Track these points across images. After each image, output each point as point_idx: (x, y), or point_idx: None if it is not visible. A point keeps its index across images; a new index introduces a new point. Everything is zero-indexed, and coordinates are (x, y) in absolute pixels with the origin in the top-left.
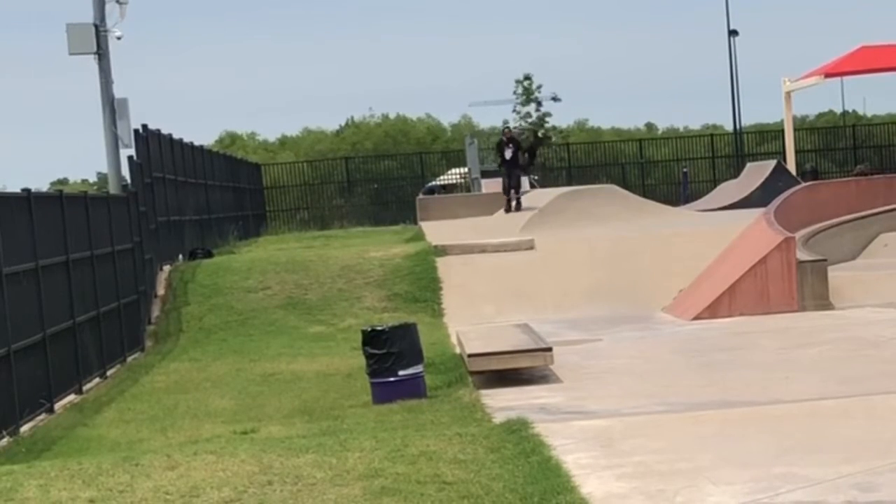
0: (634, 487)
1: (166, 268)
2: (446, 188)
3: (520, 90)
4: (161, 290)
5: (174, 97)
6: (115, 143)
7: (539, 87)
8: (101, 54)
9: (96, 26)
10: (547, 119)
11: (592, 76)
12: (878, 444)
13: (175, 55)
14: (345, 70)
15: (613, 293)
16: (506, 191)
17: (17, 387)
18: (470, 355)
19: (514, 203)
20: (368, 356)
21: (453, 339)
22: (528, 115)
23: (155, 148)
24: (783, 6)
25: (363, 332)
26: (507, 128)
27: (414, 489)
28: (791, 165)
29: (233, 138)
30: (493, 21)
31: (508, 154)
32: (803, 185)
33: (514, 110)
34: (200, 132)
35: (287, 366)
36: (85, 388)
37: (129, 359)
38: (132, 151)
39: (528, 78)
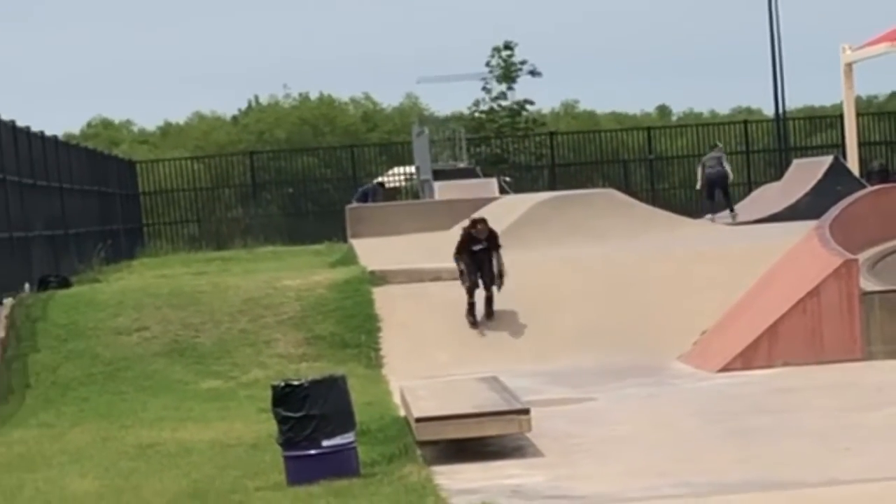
0: None
1: (7, 302)
2: (388, 192)
3: (496, 62)
4: (0, 332)
5: (20, 72)
6: None
7: (523, 62)
8: None
9: None
10: (527, 105)
11: (584, 44)
12: None
13: (24, 19)
14: (250, 36)
15: (612, 335)
16: (470, 286)
17: None
18: (418, 419)
19: (483, 310)
20: (281, 421)
21: (396, 398)
22: (502, 96)
23: None
24: None
25: (274, 388)
26: (479, 220)
27: None
28: (853, 163)
29: (103, 126)
30: None
31: (478, 247)
32: (870, 189)
33: (483, 88)
34: (56, 120)
35: (171, 434)
36: None
37: None
38: None
39: (508, 47)
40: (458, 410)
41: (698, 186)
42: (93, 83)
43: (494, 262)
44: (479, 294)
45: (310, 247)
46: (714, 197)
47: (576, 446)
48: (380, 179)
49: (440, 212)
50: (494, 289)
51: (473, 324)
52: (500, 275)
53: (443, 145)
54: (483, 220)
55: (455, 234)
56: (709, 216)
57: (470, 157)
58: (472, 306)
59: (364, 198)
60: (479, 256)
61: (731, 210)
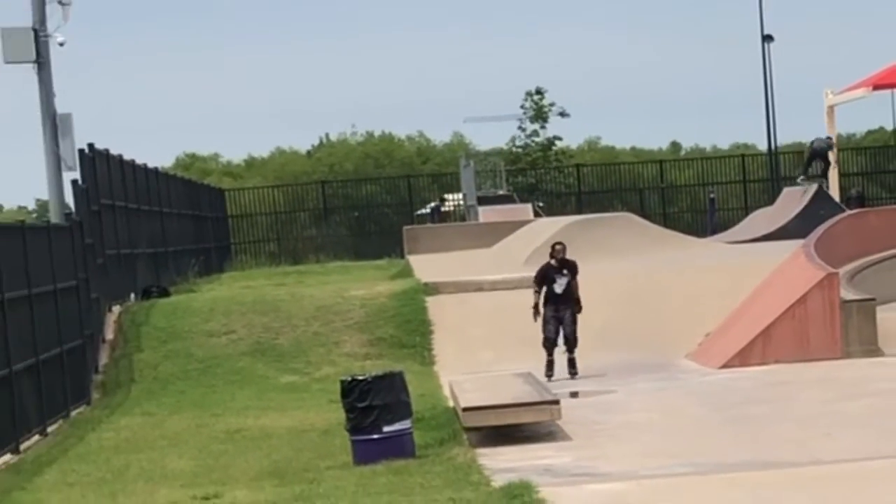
0: None
1: (116, 309)
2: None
3: (529, 105)
4: (110, 335)
5: (126, 113)
6: (57, 165)
7: (552, 104)
8: (42, 63)
9: (35, 31)
10: (557, 141)
11: (606, 88)
12: None
13: (127, 65)
14: (322, 82)
15: (630, 337)
16: (549, 344)
17: None
18: (465, 409)
19: (567, 366)
20: (348, 410)
21: (446, 391)
22: (536, 133)
23: (103, 171)
24: (825, 8)
25: (342, 382)
26: (557, 242)
27: None
28: (834, 191)
29: (193, 159)
30: (491, 28)
31: (560, 286)
32: (849, 212)
33: (519, 127)
34: (156, 153)
35: (255, 421)
36: (22, 446)
37: (73, 413)
38: (77, 174)
39: (539, 92)
40: (498, 401)
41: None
42: (186, 122)
43: (574, 315)
44: (558, 352)
45: (373, 262)
46: None
47: (598, 431)
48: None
49: (483, 232)
50: (575, 347)
51: (549, 377)
52: (577, 301)
53: (485, 175)
54: (560, 243)
55: (496, 251)
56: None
57: (509, 186)
58: (550, 364)
59: (432, 213)
60: (562, 309)
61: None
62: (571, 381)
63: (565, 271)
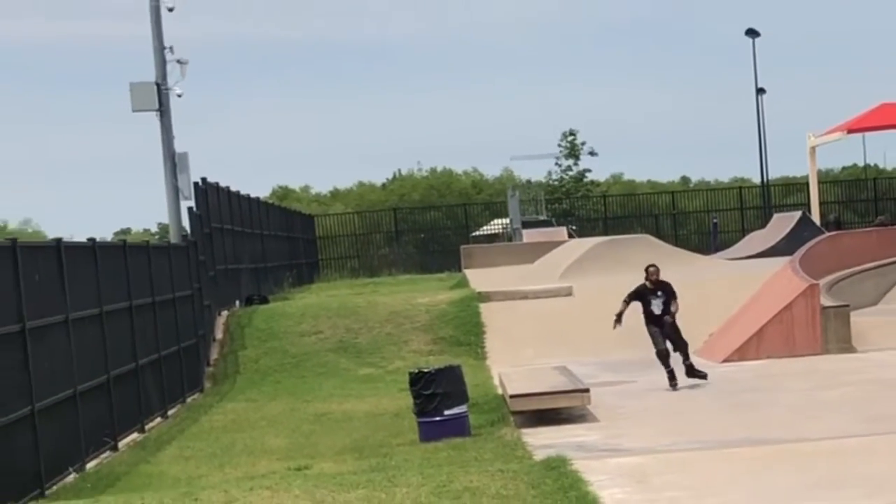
0: None
1: (224, 313)
2: (490, 237)
3: (564, 144)
4: (219, 334)
5: (232, 151)
6: (175, 196)
7: (583, 143)
8: (163, 111)
9: (158, 85)
10: (587, 174)
11: (628, 131)
12: None
13: (232, 111)
14: (394, 125)
15: (647, 337)
16: (663, 356)
17: (83, 425)
18: (512, 396)
19: (686, 372)
20: (416, 396)
21: (496, 381)
22: (569, 168)
23: (213, 200)
24: (808, 65)
25: (410, 374)
26: (651, 265)
27: None
28: (815, 216)
29: (286, 191)
30: (534, 78)
31: (657, 307)
32: (827, 234)
33: (556, 163)
34: (256, 185)
35: (338, 406)
36: (147, 426)
37: (189, 399)
38: (192, 203)
39: (572, 133)
40: (539, 389)
41: None
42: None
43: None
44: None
45: (435, 275)
46: None
47: (621, 415)
48: (483, 230)
49: (527, 251)
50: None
51: (674, 386)
52: (674, 312)
53: (528, 203)
54: (654, 265)
55: (537, 265)
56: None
57: (547, 212)
58: (671, 374)
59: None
60: (660, 320)
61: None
62: (615, 374)
63: (660, 293)
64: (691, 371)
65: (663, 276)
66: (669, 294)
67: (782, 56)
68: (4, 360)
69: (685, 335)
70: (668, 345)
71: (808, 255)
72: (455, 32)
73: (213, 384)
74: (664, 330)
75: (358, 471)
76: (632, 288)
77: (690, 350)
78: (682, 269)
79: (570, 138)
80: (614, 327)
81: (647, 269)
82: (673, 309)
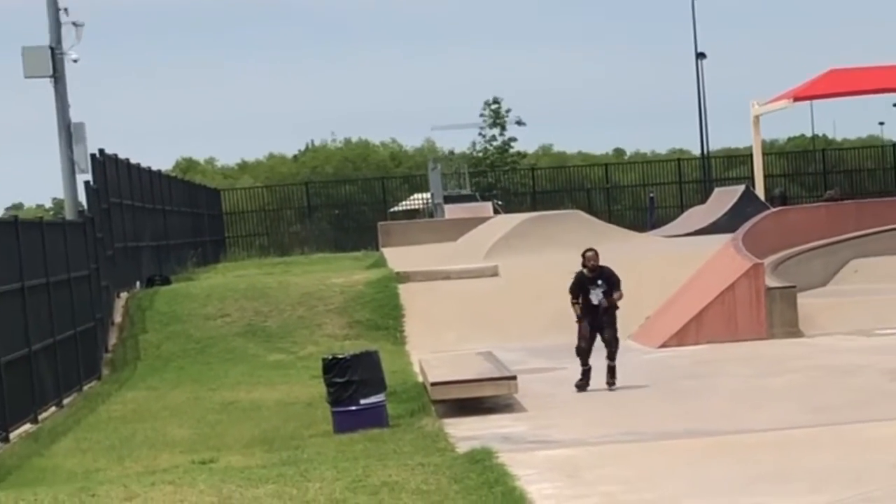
0: None
1: (123, 295)
2: (409, 212)
3: (487, 113)
4: (118, 318)
5: (132, 121)
6: (71, 169)
7: (508, 111)
8: (57, 77)
9: (52, 49)
10: (512, 144)
11: (558, 100)
12: (847, 473)
13: (133, 78)
14: (307, 93)
15: None
16: (582, 352)
17: None
18: (433, 384)
19: (608, 375)
20: (329, 384)
21: (416, 367)
22: (493, 138)
23: (112, 173)
24: (752, 29)
25: (324, 360)
26: (590, 251)
27: None
28: (760, 190)
29: (190, 164)
30: (456, 44)
31: (596, 297)
32: (772, 210)
33: (480, 134)
34: (158, 157)
35: (246, 394)
36: (41, 417)
37: (86, 387)
38: (89, 177)
39: (496, 101)
40: (462, 377)
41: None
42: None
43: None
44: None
45: (351, 254)
46: None
47: (551, 404)
48: (402, 205)
49: (449, 228)
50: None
51: (583, 388)
52: (615, 299)
53: (451, 177)
54: (591, 249)
55: (460, 244)
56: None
57: (471, 186)
58: (586, 373)
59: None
60: (599, 317)
61: None
62: (544, 361)
63: (600, 281)
64: (611, 376)
65: (600, 255)
66: (611, 282)
67: (725, 18)
68: None
69: (619, 318)
70: (596, 339)
71: (751, 232)
72: None
73: (112, 371)
74: (597, 320)
75: (267, 464)
76: (571, 280)
77: (625, 334)
78: (617, 247)
79: (493, 107)
80: (581, 324)
81: (583, 255)
82: (616, 296)
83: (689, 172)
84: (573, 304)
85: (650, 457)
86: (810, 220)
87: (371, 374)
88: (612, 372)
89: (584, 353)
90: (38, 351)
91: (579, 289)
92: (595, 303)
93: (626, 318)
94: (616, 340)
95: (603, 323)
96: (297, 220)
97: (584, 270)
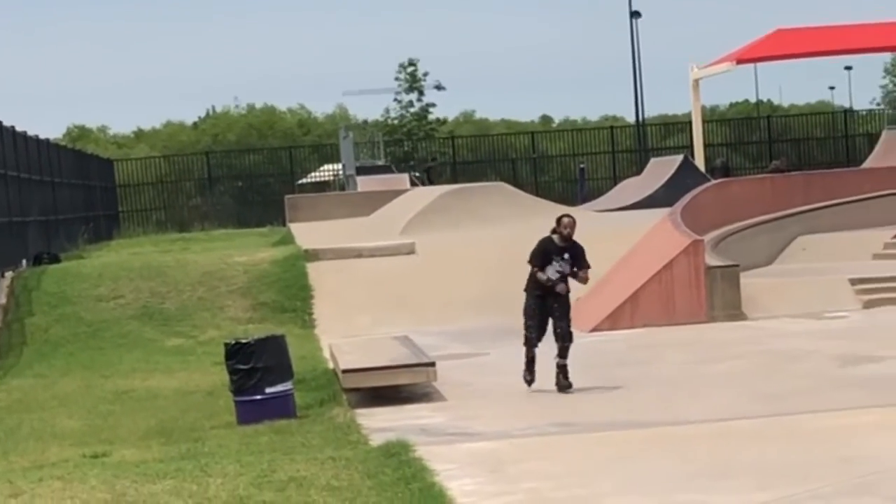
0: None
1: (8, 274)
2: (318, 185)
3: (403, 77)
4: (2, 299)
5: (17, 86)
6: None
7: (425, 74)
8: None
9: None
10: (430, 110)
11: (480, 63)
12: (794, 468)
13: (18, 39)
14: (208, 56)
15: (503, 302)
16: (531, 344)
17: None
18: (344, 371)
19: (557, 375)
20: (232, 372)
21: (326, 353)
22: (410, 104)
23: None
24: None
25: (226, 345)
26: (568, 217)
27: None
28: (699, 160)
29: (82, 132)
30: (371, 3)
31: (555, 270)
32: (713, 182)
33: (395, 99)
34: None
35: (142, 382)
36: None
37: None
38: None
39: (412, 63)
40: (376, 363)
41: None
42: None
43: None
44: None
45: (255, 230)
46: None
47: (472, 393)
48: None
49: (362, 201)
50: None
51: (530, 382)
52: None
53: (364, 146)
54: (569, 215)
55: (374, 219)
56: None
57: (386, 156)
58: (531, 362)
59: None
60: (549, 298)
61: None
62: (465, 346)
63: (567, 255)
64: (562, 375)
65: (527, 231)
66: (578, 259)
67: None
68: None
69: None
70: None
71: (690, 206)
72: None
73: None
74: (549, 306)
75: (165, 458)
76: (532, 246)
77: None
78: (544, 222)
79: (409, 69)
80: (557, 286)
81: (559, 220)
82: (581, 275)
83: (623, 141)
84: (536, 270)
85: (580, 450)
86: (754, 193)
87: (277, 361)
88: (564, 371)
89: (532, 343)
90: None
91: (542, 258)
92: (546, 277)
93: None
94: (570, 335)
95: (554, 311)
96: (196, 193)
97: (555, 237)
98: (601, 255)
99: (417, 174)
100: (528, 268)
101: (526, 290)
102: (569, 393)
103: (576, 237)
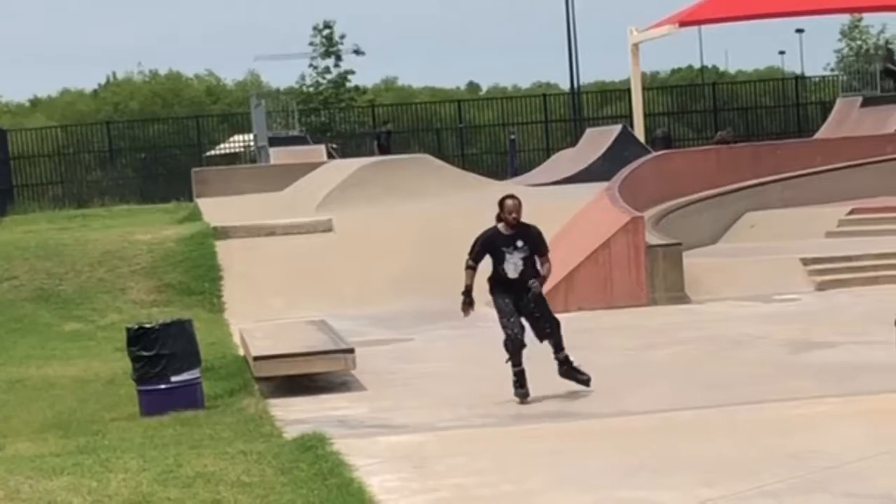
0: None
1: None
2: (228, 156)
3: (318, 41)
4: None
5: None
6: None
7: (342, 37)
8: None
9: None
10: (349, 77)
11: (402, 27)
12: (742, 463)
13: None
14: (108, 18)
15: (427, 283)
16: (515, 345)
17: None
18: (256, 358)
19: (560, 369)
20: (135, 359)
21: (236, 339)
22: (328, 70)
23: None
24: None
25: (128, 330)
26: (512, 199)
27: None
28: (639, 131)
29: None
30: None
31: (513, 267)
32: (654, 154)
33: (310, 65)
34: None
35: (37, 370)
36: None
37: None
38: None
39: (328, 26)
40: (290, 350)
41: None
42: None
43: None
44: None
45: (160, 205)
46: None
47: (394, 381)
48: (220, 148)
49: (275, 175)
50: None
51: (524, 396)
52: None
53: (278, 116)
54: (513, 196)
55: (287, 194)
56: None
57: (301, 127)
58: (520, 375)
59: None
60: (524, 300)
61: None
62: (386, 331)
63: (520, 242)
64: (567, 368)
65: (453, 206)
66: (535, 244)
67: None
68: None
69: (482, 279)
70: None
71: (629, 180)
72: None
73: None
74: (522, 304)
75: (62, 452)
76: (475, 237)
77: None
78: (471, 196)
79: (325, 32)
80: (466, 313)
81: (501, 203)
82: (543, 271)
83: (557, 110)
84: (469, 269)
85: (511, 444)
86: (699, 167)
87: (183, 347)
88: (566, 365)
89: (518, 346)
90: None
91: (487, 251)
92: (512, 275)
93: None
94: (556, 324)
95: (532, 311)
96: (96, 167)
97: (500, 226)
98: None
99: (335, 146)
100: (455, 243)
101: (491, 292)
102: (587, 386)
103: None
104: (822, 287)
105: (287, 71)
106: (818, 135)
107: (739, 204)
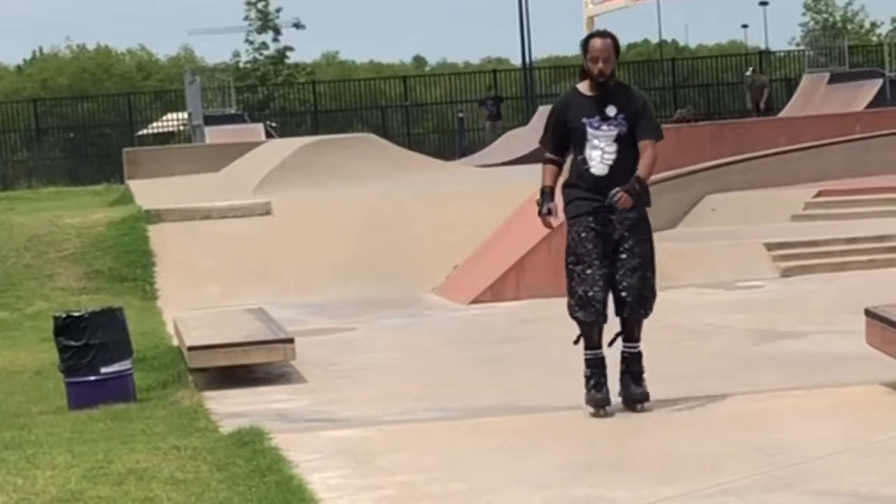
0: None
1: None
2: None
3: (254, 15)
4: None
5: None
6: None
7: (278, 10)
8: None
9: None
10: (288, 54)
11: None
12: (703, 459)
13: None
14: None
15: (371, 270)
16: (591, 313)
17: None
18: (190, 348)
19: (620, 371)
20: (62, 349)
21: (170, 328)
22: (265, 45)
23: None
24: None
25: (56, 318)
26: (599, 35)
27: None
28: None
29: None
30: None
31: (602, 155)
32: None
33: (246, 40)
34: None
35: None
36: None
37: None
38: None
39: None
40: (226, 340)
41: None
42: None
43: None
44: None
45: (90, 187)
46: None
47: (337, 373)
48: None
49: (211, 155)
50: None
51: (599, 404)
52: (639, 181)
53: (214, 93)
54: (604, 33)
55: (223, 175)
56: None
57: (238, 104)
58: (596, 367)
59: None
60: (608, 214)
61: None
62: (328, 319)
63: (613, 111)
64: (633, 376)
65: (397, 188)
66: (637, 117)
67: None
68: None
69: (420, 267)
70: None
71: None
72: None
73: None
74: (609, 224)
75: None
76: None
77: (428, 287)
78: (418, 178)
79: (260, 5)
80: (546, 223)
81: (586, 43)
82: (642, 168)
83: (508, 87)
84: (544, 161)
85: (459, 439)
86: (657, 147)
87: (114, 337)
88: (638, 366)
89: (593, 314)
90: None
91: (563, 130)
92: (598, 171)
93: (429, 266)
94: (653, 293)
95: (623, 235)
96: (22, 146)
97: (580, 85)
98: (482, 215)
99: (273, 124)
100: (400, 227)
101: (565, 209)
102: (642, 410)
103: (452, 196)
104: (787, 273)
105: (223, 45)
106: (783, 113)
107: (700, 186)
